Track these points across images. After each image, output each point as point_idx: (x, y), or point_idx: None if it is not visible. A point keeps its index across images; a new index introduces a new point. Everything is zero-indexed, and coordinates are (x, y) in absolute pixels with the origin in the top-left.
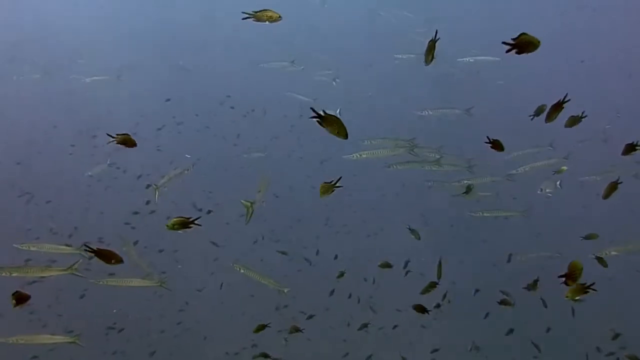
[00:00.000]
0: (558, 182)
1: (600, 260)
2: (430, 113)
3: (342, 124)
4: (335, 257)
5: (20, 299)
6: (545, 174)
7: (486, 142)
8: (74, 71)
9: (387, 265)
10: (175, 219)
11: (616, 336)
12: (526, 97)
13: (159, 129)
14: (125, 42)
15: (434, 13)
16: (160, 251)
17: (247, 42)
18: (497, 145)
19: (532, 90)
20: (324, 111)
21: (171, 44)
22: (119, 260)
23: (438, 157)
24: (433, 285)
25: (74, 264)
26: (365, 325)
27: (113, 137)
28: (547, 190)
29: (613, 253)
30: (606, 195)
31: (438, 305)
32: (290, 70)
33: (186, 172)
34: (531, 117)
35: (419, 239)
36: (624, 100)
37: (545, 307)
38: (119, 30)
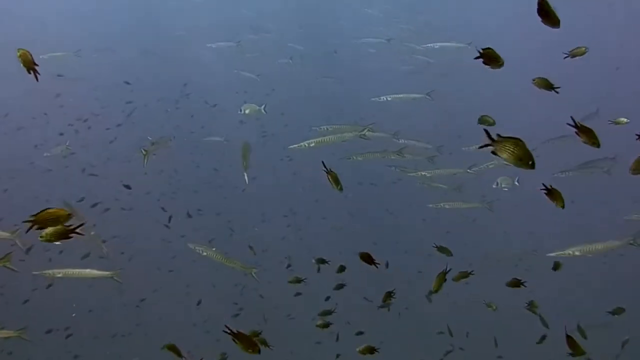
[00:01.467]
0: (516, 179)
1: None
2: (389, 99)
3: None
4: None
5: None
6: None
7: (572, 125)
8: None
9: (322, 261)
10: (51, 230)
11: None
12: (498, 88)
13: (121, 110)
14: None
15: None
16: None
17: (212, 27)
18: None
19: (504, 80)
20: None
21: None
22: (258, 350)
23: (401, 147)
24: (389, 295)
25: (5, 256)
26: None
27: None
28: (504, 185)
29: (577, 253)
30: (635, 169)
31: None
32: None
33: (169, 142)
34: (565, 56)
35: (451, 255)
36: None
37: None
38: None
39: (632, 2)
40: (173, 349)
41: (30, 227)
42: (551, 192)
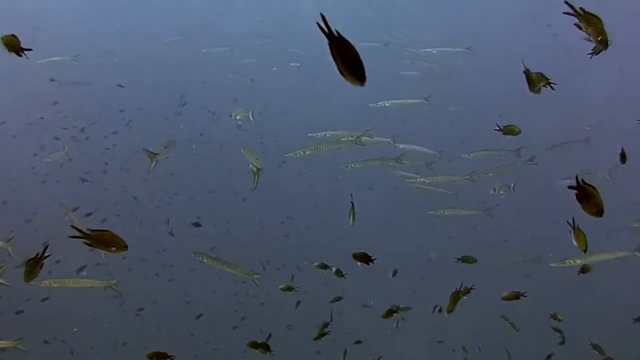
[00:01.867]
0: (512, 185)
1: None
2: (387, 104)
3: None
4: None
5: None
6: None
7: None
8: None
9: (324, 266)
10: (26, 266)
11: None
12: (497, 95)
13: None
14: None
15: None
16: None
17: (212, 31)
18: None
19: (504, 87)
20: (582, 180)
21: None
22: None
23: (401, 153)
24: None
25: None
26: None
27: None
28: (501, 192)
29: (578, 262)
30: None
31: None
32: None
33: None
34: (590, 54)
35: (475, 261)
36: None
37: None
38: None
39: (633, 2)
40: (155, 356)
41: (79, 238)
42: (577, 232)
